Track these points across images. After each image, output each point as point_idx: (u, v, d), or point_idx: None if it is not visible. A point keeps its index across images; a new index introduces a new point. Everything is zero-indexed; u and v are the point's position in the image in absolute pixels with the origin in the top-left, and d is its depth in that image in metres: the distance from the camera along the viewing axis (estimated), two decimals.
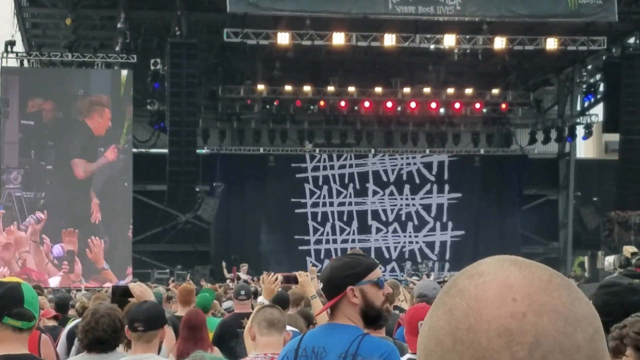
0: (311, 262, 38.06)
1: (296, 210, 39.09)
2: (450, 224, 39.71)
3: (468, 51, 33.06)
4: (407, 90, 38.02)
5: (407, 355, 5.28)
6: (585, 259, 44.64)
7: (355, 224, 39.43)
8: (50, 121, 32.37)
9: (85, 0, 33.47)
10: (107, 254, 31.96)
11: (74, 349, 8.18)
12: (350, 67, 36.88)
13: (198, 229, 38.69)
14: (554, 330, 1.04)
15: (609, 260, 26.57)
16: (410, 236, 39.55)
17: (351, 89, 37.84)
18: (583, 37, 32.38)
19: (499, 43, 32.13)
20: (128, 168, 32.80)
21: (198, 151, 35.66)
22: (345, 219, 39.39)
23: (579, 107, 40.51)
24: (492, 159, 40.67)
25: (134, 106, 33.70)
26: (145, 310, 5.17)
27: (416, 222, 39.61)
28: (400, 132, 40.71)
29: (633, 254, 24.37)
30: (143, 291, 5.88)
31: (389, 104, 38.27)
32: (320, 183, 39.36)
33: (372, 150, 40.13)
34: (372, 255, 38.42)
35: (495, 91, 38.86)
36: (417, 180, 39.80)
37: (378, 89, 37.95)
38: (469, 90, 38.30)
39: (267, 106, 38.43)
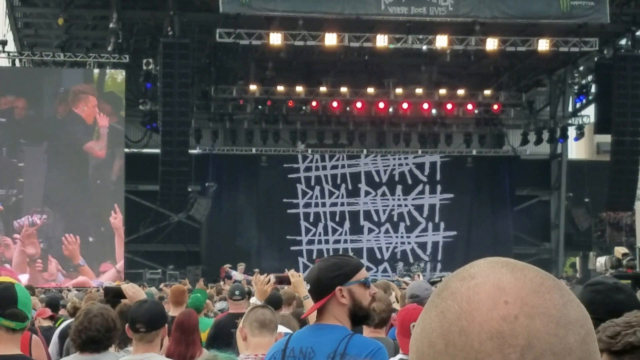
0: (303, 262, 38.12)
1: (288, 211, 39.07)
2: (442, 225, 39.73)
3: (460, 52, 33.08)
4: (399, 91, 38.04)
5: (399, 356, 5.29)
6: (577, 260, 44.73)
7: (347, 225, 39.43)
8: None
9: (77, 0, 33.40)
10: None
11: (65, 347, 8.17)
12: (343, 68, 36.88)
13: (190, 229, 38.65)
14: (546, 332, 1.04)
15: (601, 261, 26.63)
16: (402, 237, 39.55)
17: (344, 89, 37.84)
18: (575, 39, 32.44)
19: (491, 44, 32.16)
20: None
21: (190, 151, 35.60)
22: (337, 219, 39.39)
23: (570, 108, 40.58)
24: (484, 159, 40.71)
25: (127, 106, 33.66)
26: (146, 311, 5.16)
27: (408, 223, 39.61)
28: (392, 132, 40.72)
29: (624, 254, 24.44)
30: (135, 292, 5.88)
31: (382, 105, 38.28)
32: (313, 183, 39.35)
33: (365, 151, 40.14)
34: (364, 255, 38.50)
35: (487, 92, 38.90)
36: (410, 181, 39.82)
37: (370, 90, 37.96)
38: (461, 91, 38.33)
39: (260, 106, 38.40)
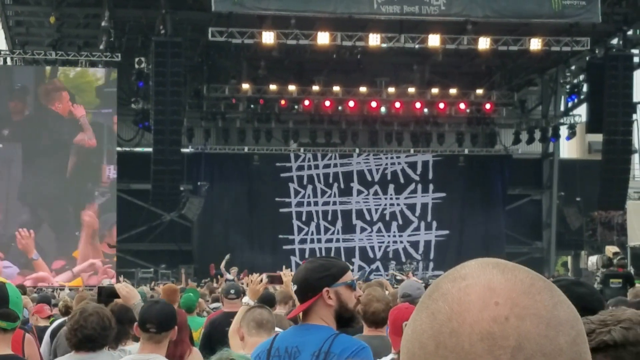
0: (295, 261, 38.08)
1: (281, 210, 39.07)
2: (434, 224, 39.77)
3: (453, 51, 33.10)
4: (391, 90, 38.05)
5: (391, 355, 5.30)
6: (569, 259, 44.81)
7: (339, 224, 39.44)
8: None
9: None
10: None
11: (52, 347, 8.15)
12: (335, 67, 36.87)
13: (182, 228, 38.62)
14: (536, 333, 1.05)
15: (592, 260, 26.65)
16: (394, 236, 39.58)
17: (336, 88, 37.84)
18: (567, 38, 32.49)
19: (484, 43, 32.19)
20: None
21: (183, 150, 35.56)
22: (329, 218, 39.39)
23: (562, 108, 40.65)
24: (476, 159, 40.76)
25: (118, 105, 33.59)
26: (158, 312, 5.12)
27: (400, 222, 39.64)
28: (384, 131, 40.73)
29: (615, 253, 24.47)
30: (129, 291, 5.87)
31: (374, 104, 38.30)
32: (305, 182, 39.35)
33: (357, 150, 40.16)
34: (357, 254, 38.53)
35: (479, 91, 38.94)
36: (402, 180, 39.85)
37: (363, 89, 37.97)
38: (453, 91, 38.37)
39: (252, 105, 38.38)
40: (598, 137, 38.11)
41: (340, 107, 38.41)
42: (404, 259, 37.88)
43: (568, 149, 46.71)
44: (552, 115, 40.38)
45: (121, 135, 36.19)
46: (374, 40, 31.79)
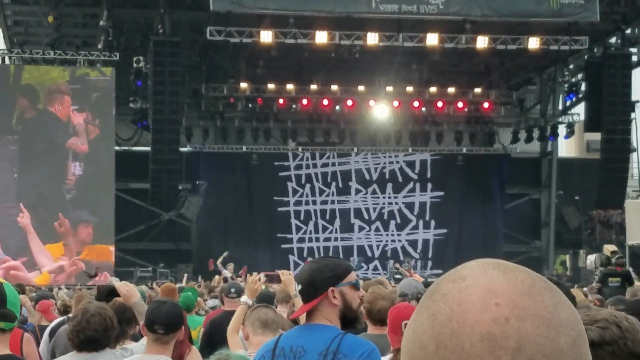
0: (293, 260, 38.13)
1: (279, 209, 39.08)
2: (432, 223, 39.79)
3: (451, 50, 33.11)
4: (390, 89, 38.05)
5: (389, 355, 5.29)
6: (567, 258, 44.83)
7: (337, 223, 39.45)
8: None
9: None
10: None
11: (50, 346, 8.14)
12: (334, 66, 36.88)
13: (181, 227, 38.61)
14: (537, 334, 1.04)
15: (591, 258, 26.62)
16: (393, 234, 39.60)
17: (334, 87, 37.85)
18: (565, 37, 32.51)
19: (482, 42, 32.21)
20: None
21: (181, 149, 35.60)
22: (328, 217, 39.41)
23: (561, 107, 40.65)
24: (474, 157, 40.77)
25: (117, 104, 33.59)
26: (166, 314, 5.09)
27: (399, 221, 39.66)
28: (383, 130, 40.73)
29: (613, 252, 24.45)
30: (129, 290, 5.85)
31: (372, 103, 38.30)
32: (303, 181, 39.37)
33: (355, 149, 40.17)
34: (355, 253, 38.53)
35: (478, 90, 38.96)
36: (400, 179, 39.87)
37: (361, 88, 37.97)
38: (451, 89, 38.38)
39: (250, 104, 38.38)
40: (597, 136, 38.13)
41: (338, 107, 38.41)
42: (402, 258, 37.91)
43: (566, 147, 46.72)
44: (550, 114, 40.40)
45: (120, 135, 36.20)
46: (372, 39, 31.80)
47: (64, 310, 10.09)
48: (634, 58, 36.53)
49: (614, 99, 34.70)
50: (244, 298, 6.61)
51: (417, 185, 39.85)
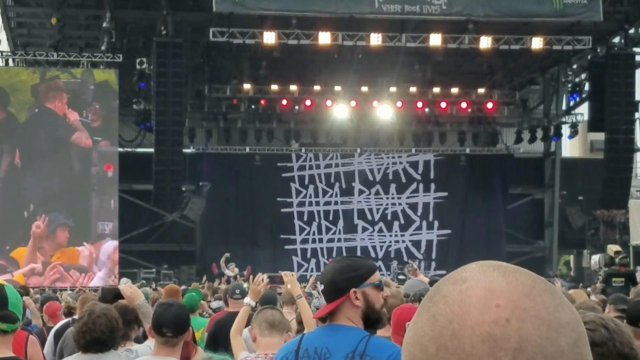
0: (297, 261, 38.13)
1: (282, 210, 39.08)
2: (436, 223, 39.77)
3: (454, 50, 33.09)
4: (393, 89, 38.04)
5: None
6: (571, 258, 44.81)
7: (341, 223, 39.44)
8: None
9: (70, 0, 33.36)
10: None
11: (57, 347, 8.14)
12: (337, 67, 36.87)
13: (184, 229, 38.63)
14: (538, 336, 1.05)
15: (595, 259, 26.63)
16: (396, 235, 39.58)
17: (337, 88, 37.84)
18: (568, 37, 32.47)
19: (485, 42, 32.18)
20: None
21: (184, 151, 35.60)
22: (331, 218, 39.40)
23: (564, 107, 40.61)
24: (478, 158, 40.75)
25: (120, 105, 33.61)
26: (174, 316, 5.09)
27: (402, 221, 39.64)
28: (386, 131, 40.72)
29: (616, 252, 24.46)
30: (133, 292, 5.86)
31: (375, 104, 38.29)
32: (306, 182, 39.37)
33: (358, 150, 40.16)
34: (358, 254, 38.48)
35: (481, 90, 38.92)
36: (403, 180, 39.85)
37: (364, 88, 37.95)
38: (455, 90, 38.36)
39: (253, 105, 38.37)
40: (600, 136, 38.09)
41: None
42: (405, 259, 37.88)
43: (570, 147, 46.71)
44: (554, 114, 40.37)
45: (123, 136, 36.22)
46: (375, 39, 31.79)
47: (68, 312, 10.09)
48: (638, 58, 36.47)
49: (617, 99, 34.65)
50: (247, 299, 6.62)
51: (421, 186, 39.84)
